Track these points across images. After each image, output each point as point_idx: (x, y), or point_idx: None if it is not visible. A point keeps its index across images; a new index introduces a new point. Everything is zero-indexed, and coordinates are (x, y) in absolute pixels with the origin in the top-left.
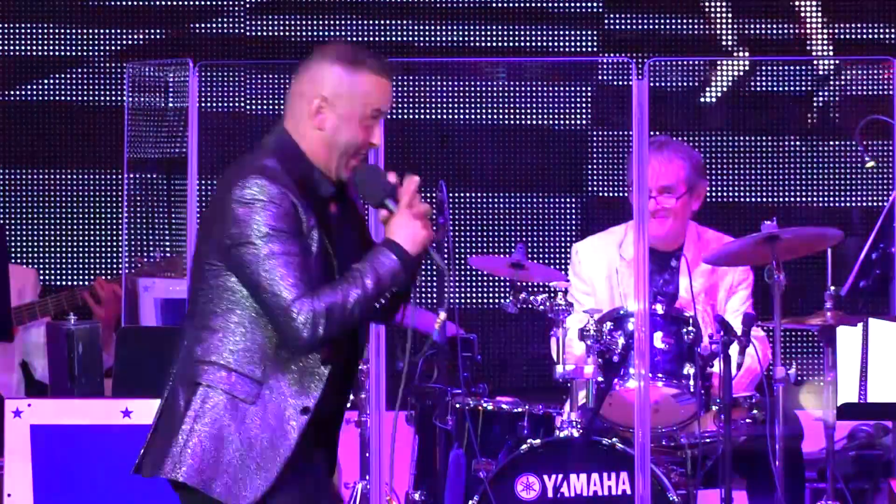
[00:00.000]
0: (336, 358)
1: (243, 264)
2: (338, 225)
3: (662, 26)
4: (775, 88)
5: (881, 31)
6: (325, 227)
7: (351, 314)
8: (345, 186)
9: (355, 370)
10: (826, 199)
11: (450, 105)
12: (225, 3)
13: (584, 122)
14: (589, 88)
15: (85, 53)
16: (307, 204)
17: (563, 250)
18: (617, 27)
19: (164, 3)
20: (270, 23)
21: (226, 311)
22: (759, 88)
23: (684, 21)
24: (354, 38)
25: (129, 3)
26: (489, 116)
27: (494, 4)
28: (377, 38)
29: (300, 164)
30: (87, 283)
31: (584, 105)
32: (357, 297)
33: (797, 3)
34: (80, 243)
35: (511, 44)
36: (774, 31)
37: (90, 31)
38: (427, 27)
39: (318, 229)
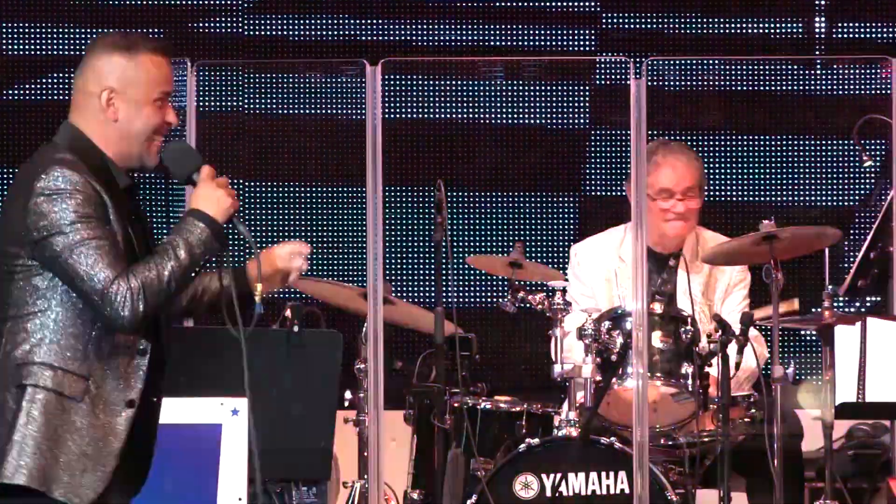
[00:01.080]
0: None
1: (55, 255)
2: (136, 217)
3: (661, 26)
4: (772, 88)
5: (879, 30)
6: (126, 218)
7: (168, 286)
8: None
9: (164, 362)
10: (824, 198)
11: (447, 104)
12: (222, 3)
13: (582, 121)
14: (587, 88)
15: (81, 53)
16: (108, 195)
17: (560, 249)
18: (614, 26)
19: (162, 2)
20: (268, 22)
21: (43, 310)
22: (755, 88)
23: (683, 20)
24: (350, 37)
25: (128, 2)
26: (486, 116)
27: (493, 4)
28: (374, 38)
29: (95, 157)
30: None
31: (582, 104)
32: (172, 269)
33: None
34: None
35: (508, 43)
36: (775, 30)
37: (89, 30)
38: (425, 26)
39: (119, 220)
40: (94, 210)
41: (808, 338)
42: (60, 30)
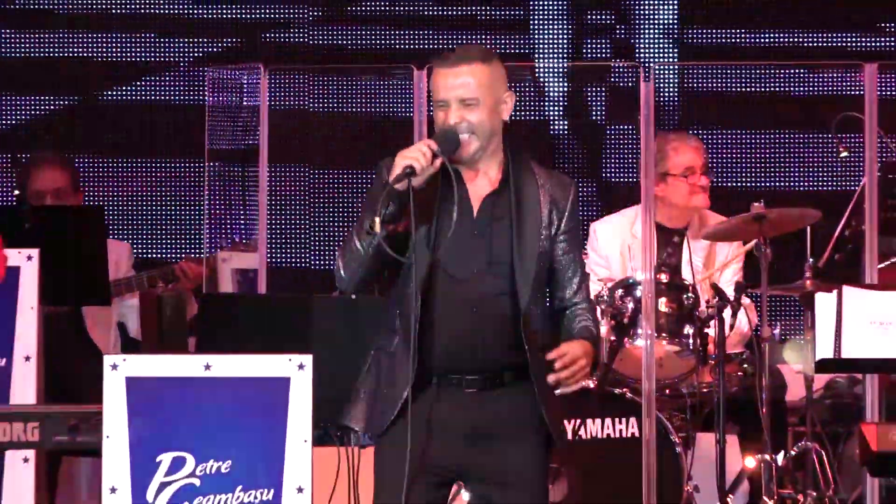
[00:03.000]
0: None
1: None
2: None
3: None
4: (763, 89)
5: (856, 40)
6: None
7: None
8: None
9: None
10: (806, 184)
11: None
12: (292, 15)
13: (598, 118)
14: (602, 89)
15: (172, 59)
16: None
17: (582, 229)
18: (624, 36)
19: (240, 16)
20: (332, 33)
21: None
22: (748, 89)
23: (687, 31)
24: (398, 46)
25: (210, 16)
26: (523, 115)
27: (511, 16)
28: (419, 46)
29: None
30: (174, 256)
31: (599, 104)
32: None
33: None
34: (168, 222)
35: (532, 51)
36: (765, 40)
37: (177, 40)
38: (469, 38)
39: None
40: None
41: (793, 303)
42: (153, 39)
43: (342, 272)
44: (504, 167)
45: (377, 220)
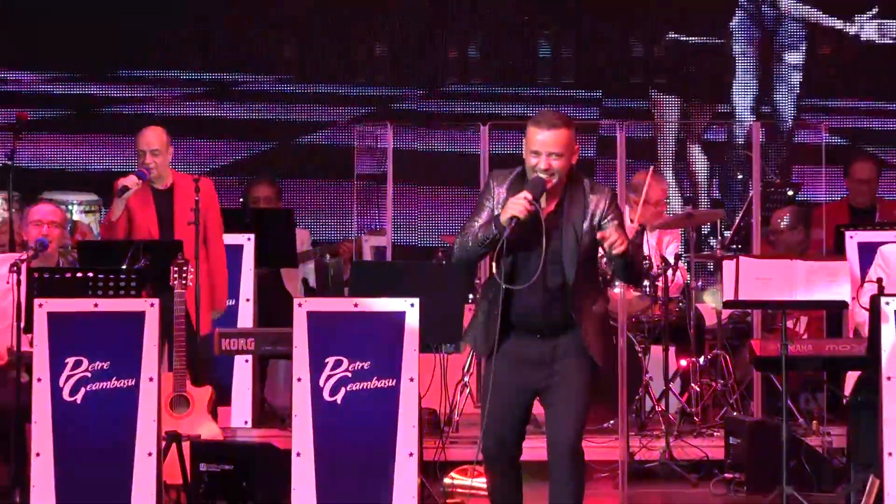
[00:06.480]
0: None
1: None
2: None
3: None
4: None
5: None
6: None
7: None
8: None
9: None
10: (716, 194)
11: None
12: (406, 92)
13: (591, 154)
14: (595, 137)
15: (334, 119)
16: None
17: None
18: (610, 105)
19: (374, 93)
20: (431, 102)
21: None
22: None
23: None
24: (469, 109)
25: (357, 93)
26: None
27: (535, 83)
28: (485, 110)
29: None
30: (335, 237)
31: (591, 145)
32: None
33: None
34: (332, 217)
35: (534, 107)
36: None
37: (338, 108)
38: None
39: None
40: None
41: (710, 266)
42: (324, 109)
43: (457, 252)
44: (563, 190)
45: (499, 240)
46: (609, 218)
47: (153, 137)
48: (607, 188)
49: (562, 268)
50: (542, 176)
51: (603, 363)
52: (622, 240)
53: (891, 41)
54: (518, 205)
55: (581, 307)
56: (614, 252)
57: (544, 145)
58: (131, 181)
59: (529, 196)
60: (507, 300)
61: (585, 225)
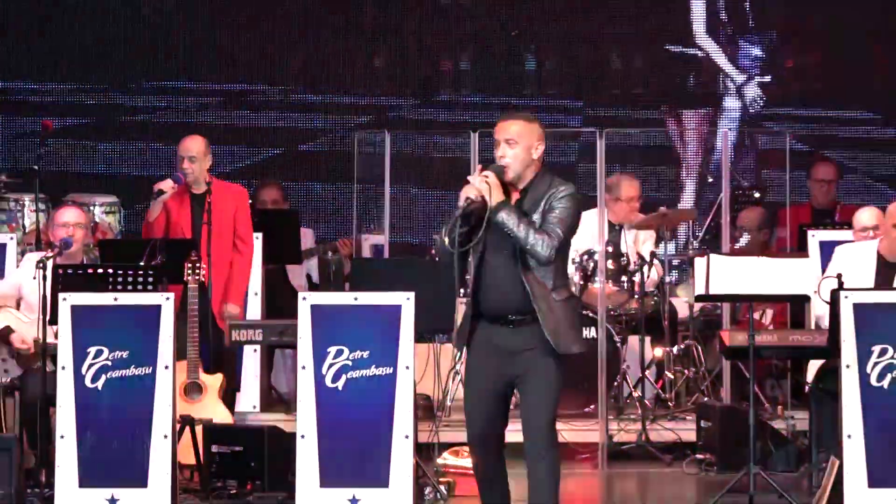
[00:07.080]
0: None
1: None
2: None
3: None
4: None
5: None
6: None
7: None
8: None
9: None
10: (690, 196)
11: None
12: (400, 102)
13: (572, 158)
14: (576, 145)
15: (334, 127)
16: None
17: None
18: (591, 114)
19: (371, 103)
20: (423, 111)
21: None
22: (660, 143)
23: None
24: (462, 117)
25: (356, 102)
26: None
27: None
28: (475, 118)
29: None
30: (336, 235)
31: (572, 150)
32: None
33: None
34: (334, 217)
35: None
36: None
37: (340, 117)
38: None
39: None
40: None
41: (683, 263)
42: (327, 117)
43: (438, 243)
44: (527, 184)
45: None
46: (552, 207)
47: (192, 145)
48: (570, 186)
49: (519, 259)
50: (501, 163)
51: (565, 351)
52: (477, 192)
53: None
54: (472, 186)
55: (542, 296)
56: (461, 202)
57: (499, 132)
58: (167, 185)
59: (487, 172)
60: (481, 293)
61: (536, 216)
